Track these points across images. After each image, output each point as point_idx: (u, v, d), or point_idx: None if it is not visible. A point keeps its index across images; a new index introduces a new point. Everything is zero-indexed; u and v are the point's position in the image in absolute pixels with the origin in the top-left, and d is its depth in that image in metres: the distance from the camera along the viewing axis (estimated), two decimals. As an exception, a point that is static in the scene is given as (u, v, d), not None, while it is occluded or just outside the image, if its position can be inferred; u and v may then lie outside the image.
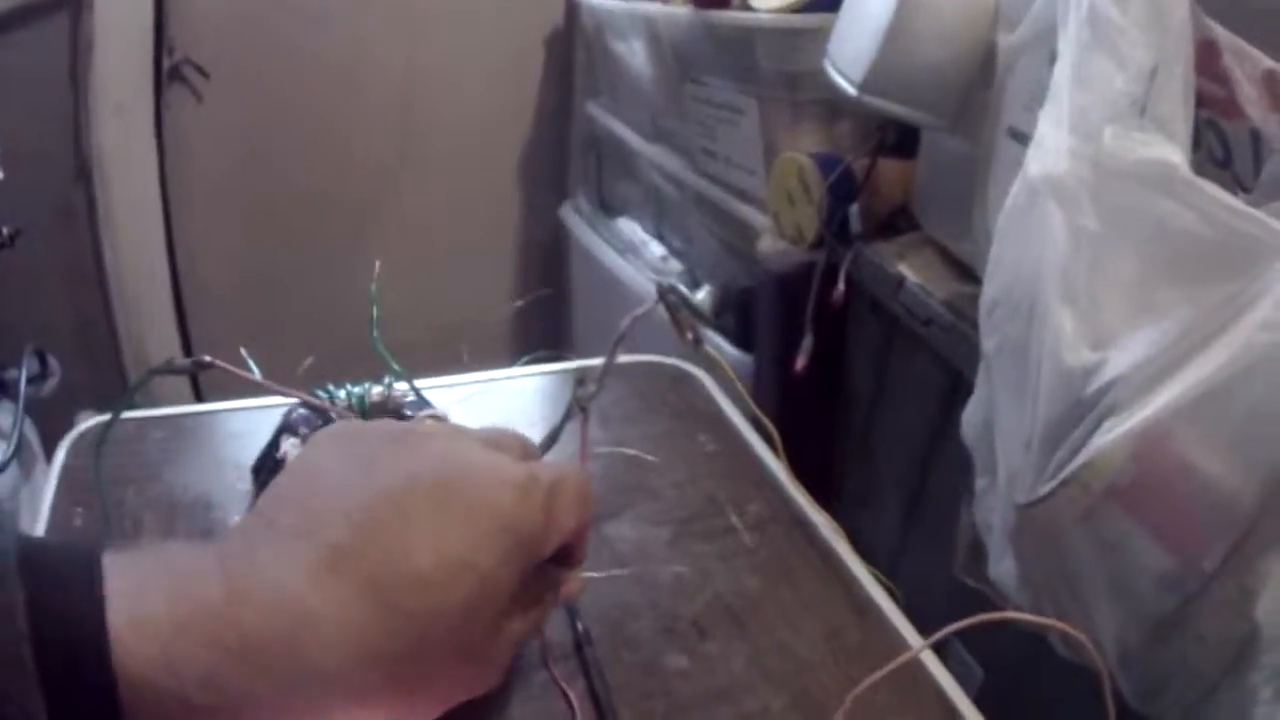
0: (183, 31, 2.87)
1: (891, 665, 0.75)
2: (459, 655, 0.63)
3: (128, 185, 2.79)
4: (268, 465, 0.96)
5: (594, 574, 0.94)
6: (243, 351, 0.95)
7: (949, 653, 1.38)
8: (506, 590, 0.65)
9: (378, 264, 1.04)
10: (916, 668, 0.87)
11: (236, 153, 3.04)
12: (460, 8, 3.14)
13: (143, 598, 0.54)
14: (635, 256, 2.63)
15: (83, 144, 2.77)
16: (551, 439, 0.97)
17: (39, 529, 0.97)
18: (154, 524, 0.97)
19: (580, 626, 0.87)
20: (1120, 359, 0.86)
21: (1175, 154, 0.89)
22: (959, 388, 1.34)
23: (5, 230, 2.06)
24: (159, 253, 2.91)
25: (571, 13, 3.12)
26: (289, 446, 0.93)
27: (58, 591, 0.52)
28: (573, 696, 0.80)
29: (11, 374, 2.27)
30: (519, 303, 3.10)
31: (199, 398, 2.87)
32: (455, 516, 0.63)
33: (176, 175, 2.92)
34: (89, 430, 1.12)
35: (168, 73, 2.88)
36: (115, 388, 2.89)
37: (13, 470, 2.12)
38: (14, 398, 2.27)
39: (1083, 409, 0.88)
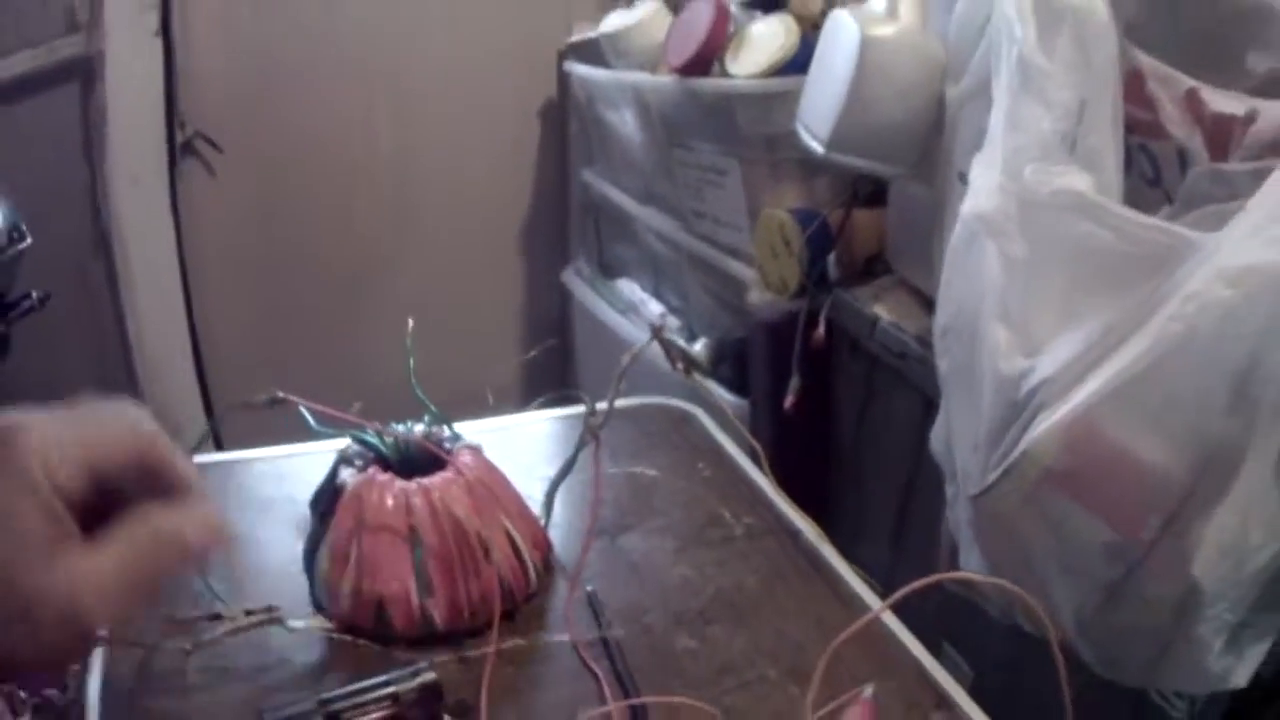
0: (193, 106, 2.95)
1: (857, 624, 0.88)
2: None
3: (145, 253, 2.88)
4: (327, 494, 1.07)
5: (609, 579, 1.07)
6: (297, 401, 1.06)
7: (941, 654, 1.48)
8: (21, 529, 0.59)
9: (410, 322, 1.16)
10: (888, 635, 1.00)
11: (249, 224, 3.13)
12: (457, 83, 3.24)
13: None
14: (635, 315, 2.71)
15: (101, 213, 2.85)
16: (568, 466, 1.10)
17: None
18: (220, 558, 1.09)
19: (603, 619, 1.00)
20: (1048, 363, 1.00)
21: (1084, 182, 1.03)
22: (932, 412, 1.43)
23: (35, 294, 2.14)
24: (178, 317, 2.99)
25: (564, 84, 3.21)
26: (347, 476, 1.05)
27: None
28: (600, 674, 0.93)
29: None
30: (532, 353, 3.16)
31: (219, 447, 2.89)
32: None
33: (193, 243, 3.01)
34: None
35: (181, 147, 2.96)
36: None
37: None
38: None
39: (1018, 409, 1.01)
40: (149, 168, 2.89)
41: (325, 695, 0.84)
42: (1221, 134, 1.11)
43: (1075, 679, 0.85)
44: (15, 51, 2.68)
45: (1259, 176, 0.94)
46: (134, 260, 2.86)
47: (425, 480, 1.02)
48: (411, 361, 1.13)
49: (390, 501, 1.00)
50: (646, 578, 1.09)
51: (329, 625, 1.00)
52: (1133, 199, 1.10)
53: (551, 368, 3.40)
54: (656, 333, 1.10)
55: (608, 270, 3.09)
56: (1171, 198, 1.15)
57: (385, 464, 1.07)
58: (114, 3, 2.71)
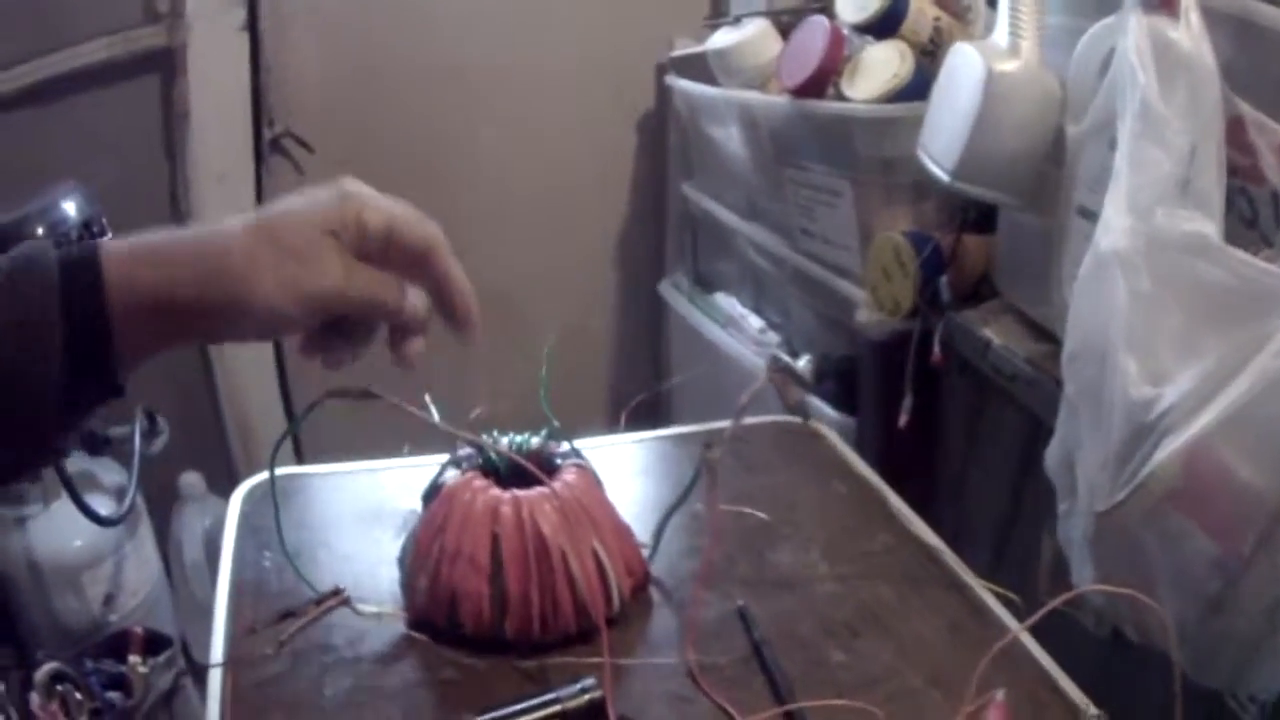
0: (282, 104, 2.99)
1: (1000, 644, 0.95)
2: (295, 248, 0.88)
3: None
4: (430, 492, 1.15)
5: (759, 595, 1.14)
6: (427, 398, 1.12)
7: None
8: (315, 224, 0.89)
9: (552, 337, 1.22)
10: (1021, 650, 1.07)
11: None
12: (557, 93, 3.26)
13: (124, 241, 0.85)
14: (735, 329, 2.75)
15: (182, 209, 2.89)
16: (681, 499, 1.16)
17: (225, 571, 1.18)
18: (327, 560, 1.18)
19: (757, 634, 1.06)
20: (1172, 391, 1.08)
21: (1209, 226, 1.11)
22: (1039, 433, 1.49)
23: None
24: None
25: (663, 97, 3.23)
26: (448, 476, 1.13)
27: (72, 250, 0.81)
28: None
29: (117, 431, 2.37)
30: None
31: (298, 450, 2.89)
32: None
33: None
34: (257, 485, 1.33)
35: (269, 144, 2.99)
36: (213, 450, 2.99)
37: (118, 528, 2.24)
38: (117, 455, 2.39)
39: (1145, 432, 1.09)
40: (234, 165, 2.93)
41: (492, 714, 0.89)
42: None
43: (1160, 684, 0.94)
44: (92, 39, 2.69)
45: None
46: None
47: (520, 492, 1.08)
48: (544, 372, 1.20)
49: (479, 505, 1.06)
50: (795, 591, 1.16)
51: (400, 614, 1.07)
52: (1231, 239, 1.16)
53: (645, 378, 3.44)
54: (771, 375, 1.16)
55: (705, 284, 3.12)
56: (1267, 238, 1.23)
57: (490, 472, 1.13)
58: (196, -3, 2.73)
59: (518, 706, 0.90)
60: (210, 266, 0.85)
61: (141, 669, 1.86)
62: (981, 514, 1.85)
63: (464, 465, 1.14)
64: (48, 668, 1.83)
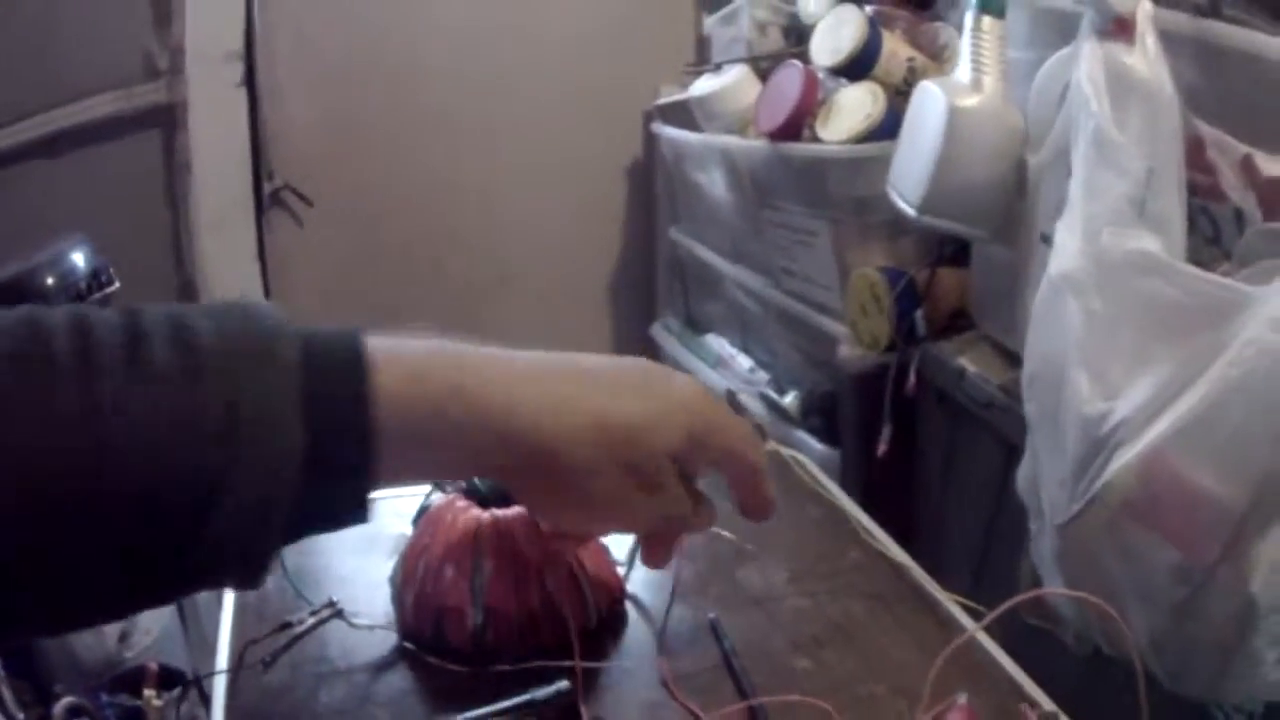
0: (280, 157, 3.05)
1: (957, 641, 0.99)
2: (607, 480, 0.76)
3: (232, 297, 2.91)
4: (420, 515, 1.19)
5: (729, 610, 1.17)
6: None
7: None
8: (662, 446, 0.78)
9: None
10: (983, 654, 1.09)
11: (336, 275, 3.22)
12: (544, 140, 3.33)
13: (398, 344, 0.71)
14: (725, 369, 2.78)
15: (185, 260, 2.93)
16: None
17: (229, 594, 1.19)
18: (325, 581, 1.20)
19: (726, 644, 1.09)
20: (1124, 405, 1.11)
21: (1155, 244, 1.14)
22: (1014, 459, 1.50)
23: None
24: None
25: (650, 144, 3.30)
26: (435, 498, 1.17)
27: (324, 341, 0.67)
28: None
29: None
30: None
31: None
32: (651, 379, 0.81)
33: (279, 294, 3.08)
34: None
35: (269, 197, 3.06)
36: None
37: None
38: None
39: (1099, 446, 1.12)
40: (233, 216, 2.98)
41: (470, 714, 0.92)
42: (1274, 196, 1.21)
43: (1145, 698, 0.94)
44: (94, 94, 2.77)
45: (1308, 234, 1.05)
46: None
47: (500, 511, 1.11)
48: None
49: (461, 525, 1.09)
50: (764, 608, 1.18)
51: (391, 627, 1.10)
52: (1195, 257, 1.20)
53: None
54: (730, 399, 1.20)
55: (695, 325, 3.16)
56: (1230, 255, 1.26)
57: (472, 494, 1.15)
58: (195, 52, 2.81)
59: (495, 707, 0.93)
60: (540, 468, 0.75)
61: (156, 702, 1.88)
62: (961, 539, 1.88)
63: (449, 489, 1.17)
64: (65, 701, 1.87)
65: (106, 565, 0.61)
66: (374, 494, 0.69)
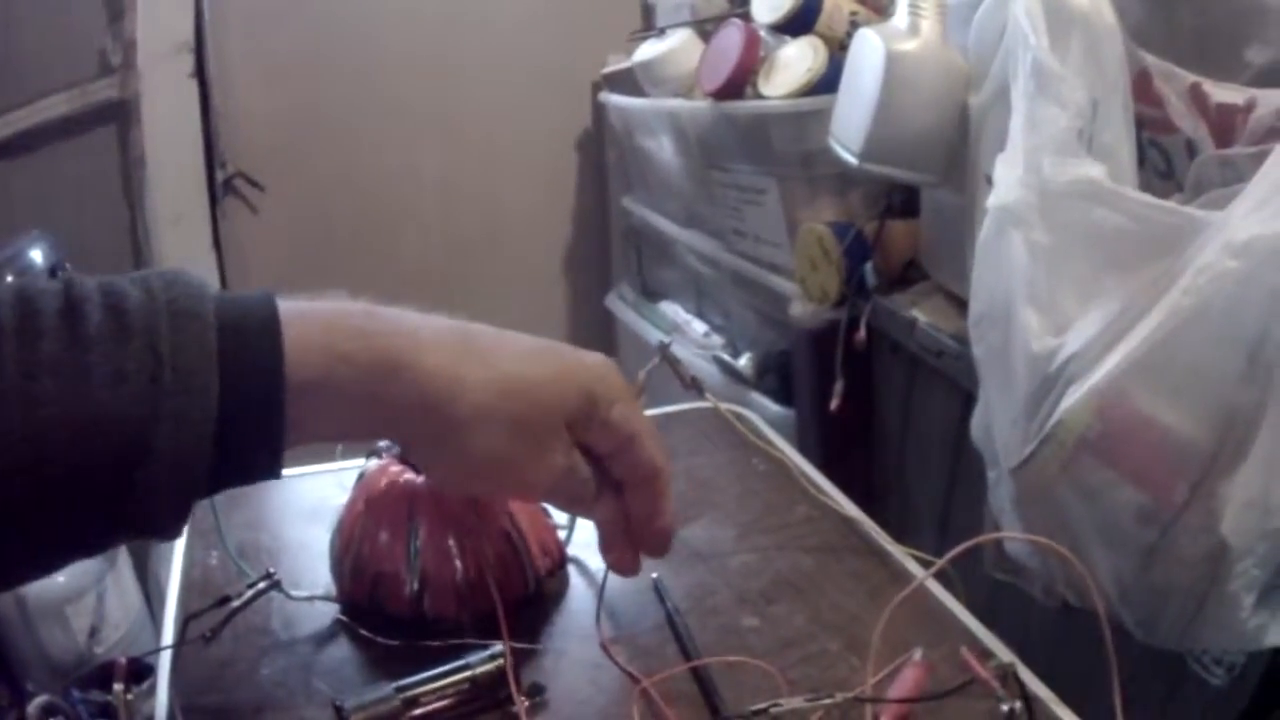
0: (233, 146, 3.06)
1: (907, 590, 0.95)
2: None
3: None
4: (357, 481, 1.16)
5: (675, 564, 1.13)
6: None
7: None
8: (557, 404, 0.85)
9: None
10: (935, 602, 1.06)
11: (293, 260, 3.21)
12: (497, 117, 3.34)
13: (311, 303, 0.77)
14: (681, 335, 2.76)
15: (142, 254, 2.92)
16: None
17: (175, 572, 1.17)
18: (269, 556, 1.18)
19: (669, 604, 1.06)
20: (1075, 339, 1.08)
21: (1098, 170, 1.10)
22: (970, 406, 1.48)
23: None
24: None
25: (599, 114, 3.29)
26: (370, 464, 1.13)
27: (241, 302, 0.73)
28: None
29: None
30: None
31: None
32: (560, 350, 0.89)
33: (236, 281, 3.09)
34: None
35: (222, 185, 3.05)
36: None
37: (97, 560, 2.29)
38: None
39: (1050, 383, 1.09)
40: (190, 208, 2.98)
41: (406, 681, 0.90)
42: (1225, 123, 1.18)
43: (1116, 653, 0.90)
44: (51, 94, 2.76)
45: (1260, 159, 1.01)
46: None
47: None
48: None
49: (395, 490, 1.06)
50: (710, 564, 1.15)
51: (331, 598, 1.07)
52: (1147, 191, 1.16)
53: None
54: (663, 351, 1.18)
55: (650, 294, 3.16)
56: (1182, 186, 1.22)
57: (407, 459, 1.12)
58: (146, 46, 2.80)
59: (430, 673, 0.91)
60: (429, 404, 0.80)
61: (127, 697, 1.88)
62: (923, 493, 1.86)
63: (384, 454, 1.15)
64: (40, 700, 1.91)
65: (43, 520, 0.67)
66: (287, 445, 0.75)
